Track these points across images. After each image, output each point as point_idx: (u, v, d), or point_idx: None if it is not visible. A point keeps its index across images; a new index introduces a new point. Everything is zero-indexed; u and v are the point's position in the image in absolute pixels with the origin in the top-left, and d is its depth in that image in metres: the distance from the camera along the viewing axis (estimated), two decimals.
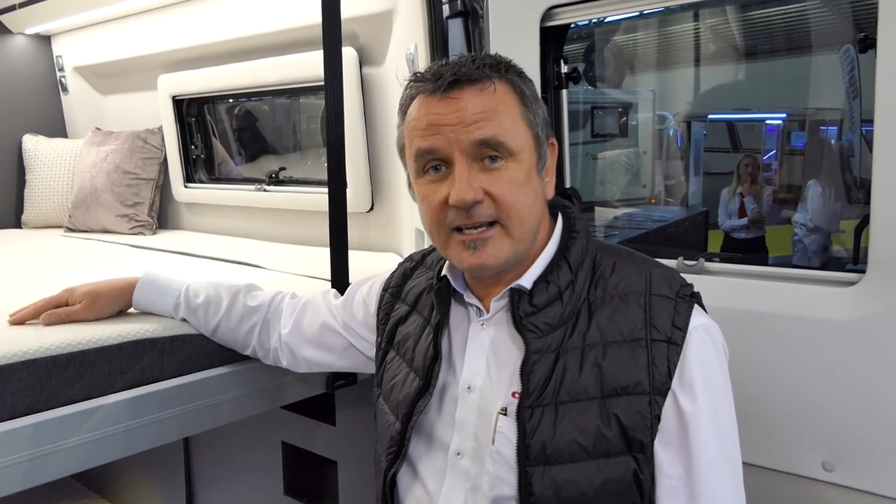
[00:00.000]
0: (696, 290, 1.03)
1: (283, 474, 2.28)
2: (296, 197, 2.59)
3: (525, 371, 0.97)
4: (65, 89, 3.39)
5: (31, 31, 3.28)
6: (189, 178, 2.99)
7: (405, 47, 2.04)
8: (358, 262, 1.74)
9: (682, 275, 1.46)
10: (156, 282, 1.43)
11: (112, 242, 2.74)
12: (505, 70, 1.01)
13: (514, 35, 1.72)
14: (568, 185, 1.82)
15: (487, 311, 1.05)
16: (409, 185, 1.07)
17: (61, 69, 3.37)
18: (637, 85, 4.82)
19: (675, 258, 1.52)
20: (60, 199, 3.14)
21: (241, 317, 1.41)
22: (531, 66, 1.69)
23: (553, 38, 1.72)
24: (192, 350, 1.44)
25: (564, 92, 1.78)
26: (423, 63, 2.00)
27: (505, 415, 0.99)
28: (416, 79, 1.02)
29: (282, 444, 2.25)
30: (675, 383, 0.94)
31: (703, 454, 0.94)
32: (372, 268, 1.90)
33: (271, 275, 1.99)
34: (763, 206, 4.36)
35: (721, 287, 1.45)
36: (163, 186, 3.03)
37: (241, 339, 1.43)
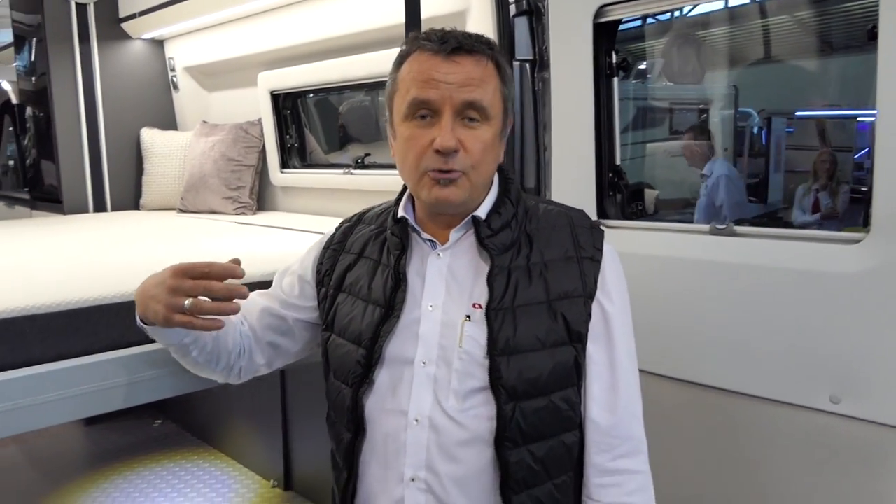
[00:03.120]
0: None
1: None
2: (379, 179, 2.89)
3: (490, 280, 1.17)
4: (176, 87, 3.78)
5: (147, 36, 3.66)
6: (285, 164, 3.33)
7: None
8: None
9: (714, 237, 1.70)
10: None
11: (219, 221, 3.11)
12: (491, 48, 1.18)
13: (570, 30, 1.94)
14: (618, 161, 2.05)
15: (442, 244, 1.22)
16: (391, 125, 1.22)
17: (173, 69, 3.75)
18: (718, 81, 4.83)
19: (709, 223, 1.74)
20: (173, 184, 3.55)
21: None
22: (585, 57, 1.92)
23: (605, 33, 1.94)
24: None
25: (615, 80, 2.01)
26: None
27: (469, 321, 1.17)
28: (422, 38, 1.17)
29: None
30: (598, 291, 1.18)
31: (619, 345, 1.19)
32: None
33: None
34: (840, 203, 4.38)
35: (748, 247, 1.66)
36: (261, 172, 3.39)
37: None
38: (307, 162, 3.38)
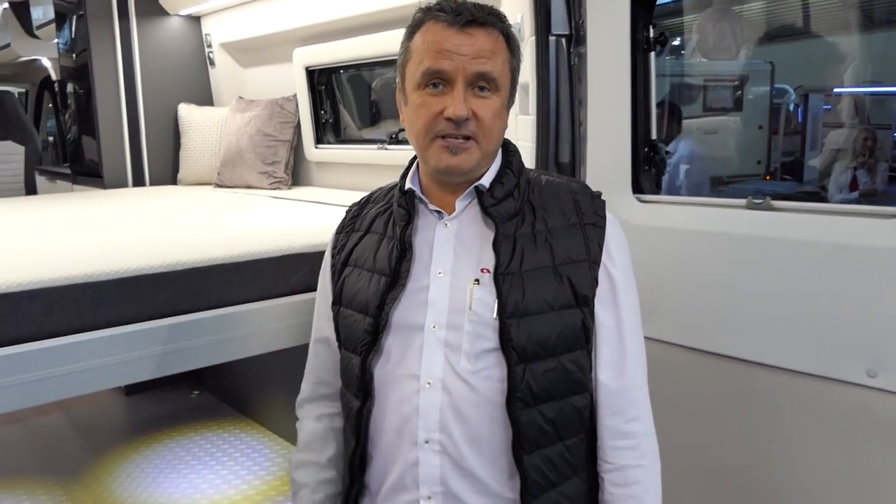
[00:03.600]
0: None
1: None
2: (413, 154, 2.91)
3: (496, 246, 1.20)
4: (212, 63, 3.82)
5: (184, 12, 3.70)
6: (319, 139, 3.37)
7: (512, 19, 2.30)
8: None
9: (752, 211, 1.70)
10: None
11: (256, 195, 3.16)
12: (501, 21, 1.21)
13: (608, 5, 1.93)
14: (654, 136, 2.05)
15: (449, 214, 1.25)
16: (401, 91, 1.25)
17: (209, 46, 3.79)
18: (754, 57, 4.75)
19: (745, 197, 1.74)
20: (209, 159, 3.60)
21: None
22: (622, 31, 1.92)
23: (642, 8, 1.94)
24: None
25: (652, 55, 2.00)
26: (528, 31, 2.25)
27: (478, 284, 1.20)
28: (435, 8, 1.19)
29: None
30: (604, 256, 1.22)
31: (626, 310, 1.23)
32: None
33: None
34: (878, 182, 4.31)
35: (785, 221, 1.67)
36: (296, 147, 3.43)
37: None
38: (341, 137, 3.41)
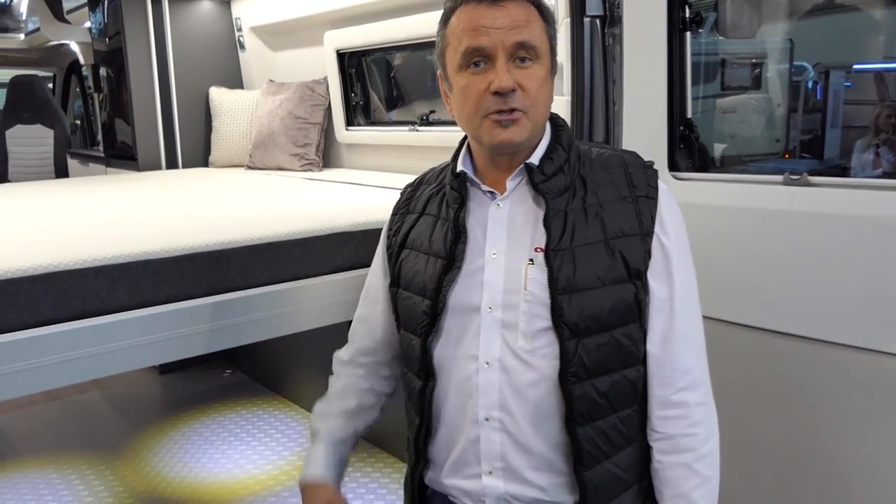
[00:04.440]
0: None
1: None
2: (443, 136, 2.94)
3: (547, 223, 1.20)
4: (242, 47, 3.86)
5: None
6: (349, 122, 3.41)
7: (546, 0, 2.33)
8: None
9: (789, 187, 1.72)
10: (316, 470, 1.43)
11: (288, 177, 3.21)
12: None
13: None
14: (689, 115, 2.07)
15: (501, 194, 1.26)
16: (444, 79, 1.26)
17: (239, 29, 3.82)
18: (774, 34, 4.72)
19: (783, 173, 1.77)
20: (241, 142, 3.66)
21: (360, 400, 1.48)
22: (659, 11, 1.94)
23: None
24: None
25: (688, 35, 2.02)
26: (563, 13, 2.27)
27: (532, 264, 1.21)
28: None
29: None
30: (657, 228, 1.21)
31: (678, 279, 1.22)
32: None
33: None
34: None
35: (822, 196, 1.69)
36: (327, 130, 3.47)
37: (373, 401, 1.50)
38: (371, 119, 3.45)
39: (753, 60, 5.00)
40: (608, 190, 1.24)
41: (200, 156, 3.81)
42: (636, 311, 1.21)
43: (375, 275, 1.46)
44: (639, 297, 1.20)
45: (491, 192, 1.28)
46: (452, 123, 2.99)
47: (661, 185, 1.26)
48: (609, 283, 1.19)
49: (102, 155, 4.29)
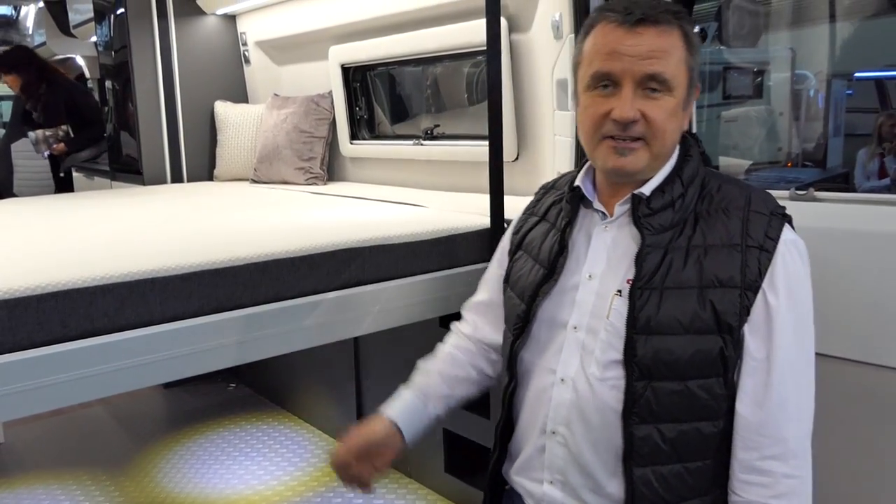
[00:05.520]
0: (787, 212, 1.22)
1: (444, 456, 2.69)
2: (448, 150, 2.95)
3: (639, 259, 1.18)
4: (247, 61, 3.87)
5: (220, 11, 3.75)
6: (354, 135, 3.42)
7: (550, 16, 2.34)
8: (506, 203, 2.05)
9: (795, 202, 1.72)
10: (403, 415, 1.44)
11: (293, 191, 3.22)
12: (680, 18, 1.17)
13: None
14: (694, 130, 2.07)
15: (611, 216, 1.25)
16: (574, 94, 1.26)
17: (245, 44, 3.84)
18: (775, 44, 4.73)
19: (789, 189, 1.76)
20: (245, 155, 3.66)
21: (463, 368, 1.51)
22: None
23: (685, 3, 1.96)
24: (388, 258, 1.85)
25: None
26: (566, 29, 2.28)
27: (620, 296, 1.19)
28: (606, 8, 1.19)
29: (444, 431, 2.65)
30: (765, 283, 1.13)
31: (782, 341, 1.13)
32: (517, 209, 2.21)
33: (430, 212, 2.32)
34: None
35: (828, 211, 1.69)
36: (331, 143, 3.48)
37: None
38: (375, 133, 3.45)
39: (755, 69, 5.01)
40: (718, 234, 1.17)
41: (205, 169, 3.82)
42: (720, 366, 1.15)
43: (495, 265, 1.51)
44: (725, 352, 1.14)
45: (603, 213, 1.27)
46: (456, 137, 3.01)
47: (787, 237, 1.17)
48: (693, 332, 1.14)
49: (107, 168, 4.30)
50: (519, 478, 1.34)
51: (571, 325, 1.24)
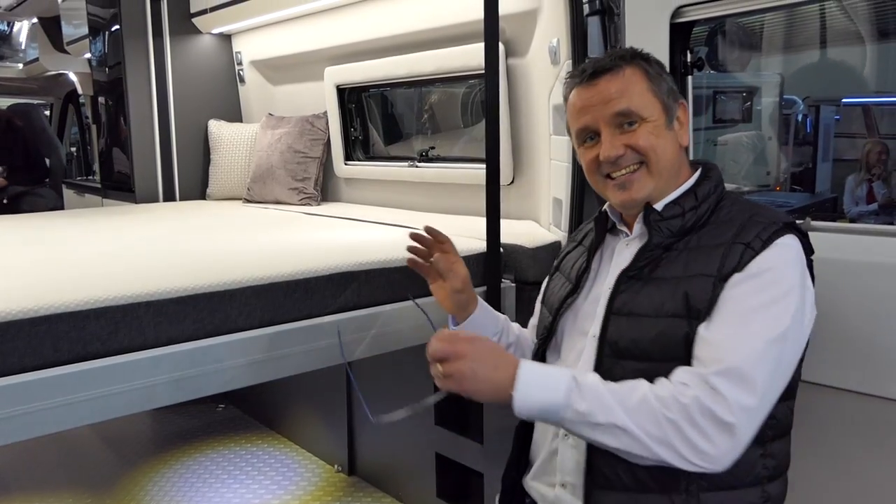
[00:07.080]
0: (798, 224, 1.25)
1: (436, 481, 2.67)
2: (443, 172, 2.95)
3: (639, 252, 1.29)
4: (242, 81, 3.87)
5: (216, 31, 3.76)
6: (349, 156, 3.42)
7: (548, 41, 2.34)
8: (501, 227, 2.02)
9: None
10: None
11: (287, 211, 3.20)
12: (632, 57, 1.32)
13: (646, 30, 1.97)
14: (691, 157, 2.08)
15: (632, 234, 1.36)
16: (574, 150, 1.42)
17: (240, 63, 3.84)
18: (764, 68, 4.79)
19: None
20: (239, 175, 3.65)
21: None
22: (661, 57, 1.94)
23: (680, 33, 1.97)
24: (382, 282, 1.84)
25: (689, 78, 2.04)
26: (564, 55, 2.30)
27: None
28: (569, 76, 1.37)
29: (436, 455, 2.63)
30: (740, 274, 1.16)
31: (734, 293, 1.15)
32: (512, 233, 2.21)
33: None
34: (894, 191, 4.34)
35: (824, 240, 1.69)
36: (325, 164, 3.48)
37: None
38: (370, 154, 3.45)
39: (744, 94, 5.06)
40: (713, 237, 1.25)
41: (198, 188, 3.80)
42: (683, 349, 1.18)
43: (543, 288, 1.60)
44: (690, 337, 1.17)
45: (626, 233, 1.38)
46: (452, 160, 3.01)
47: (784, 241, 1.20)
48: (661, 315, 1.21)
49: (99, 185, 4.28)
50: (535, 482, 1.41)
51: (591, 334, 1.32)
